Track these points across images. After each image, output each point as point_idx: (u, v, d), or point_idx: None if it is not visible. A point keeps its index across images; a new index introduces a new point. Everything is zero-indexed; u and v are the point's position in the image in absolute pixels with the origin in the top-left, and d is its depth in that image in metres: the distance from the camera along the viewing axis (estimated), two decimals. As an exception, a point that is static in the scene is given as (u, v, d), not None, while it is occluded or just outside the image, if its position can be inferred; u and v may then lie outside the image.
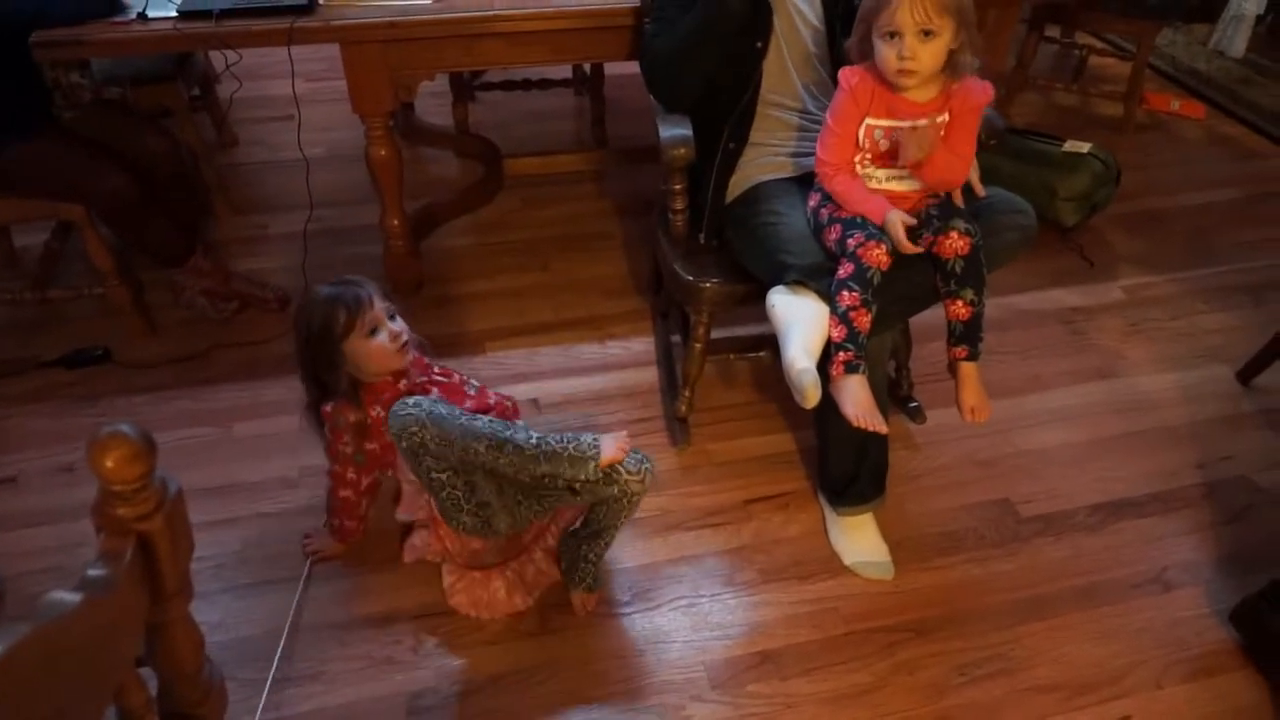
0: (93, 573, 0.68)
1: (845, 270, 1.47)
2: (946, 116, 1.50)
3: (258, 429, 2.02)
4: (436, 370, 1.64)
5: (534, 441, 1.43)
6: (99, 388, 2.12)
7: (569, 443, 1.43)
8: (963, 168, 1.54)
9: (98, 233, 2.12)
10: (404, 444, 1.44)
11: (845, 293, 1.46)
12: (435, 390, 1.58)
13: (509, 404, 1.65)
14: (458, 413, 1.44)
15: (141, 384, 2.13)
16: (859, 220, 1.52)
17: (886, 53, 1.43)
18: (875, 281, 1.46)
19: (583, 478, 1.43)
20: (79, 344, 2.20)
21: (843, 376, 1.47)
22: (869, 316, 1.46)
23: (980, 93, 1.50)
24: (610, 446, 1.44)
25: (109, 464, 0.69)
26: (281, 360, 2.19)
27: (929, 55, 1.41)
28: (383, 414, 1.50)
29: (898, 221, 1.49)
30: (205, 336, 2.26)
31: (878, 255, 1.46)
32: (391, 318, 1.53)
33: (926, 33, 1.39)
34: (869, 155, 1.54)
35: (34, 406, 2.07)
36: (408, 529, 1.70)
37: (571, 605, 1.66)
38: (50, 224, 2.38)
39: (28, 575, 1.69)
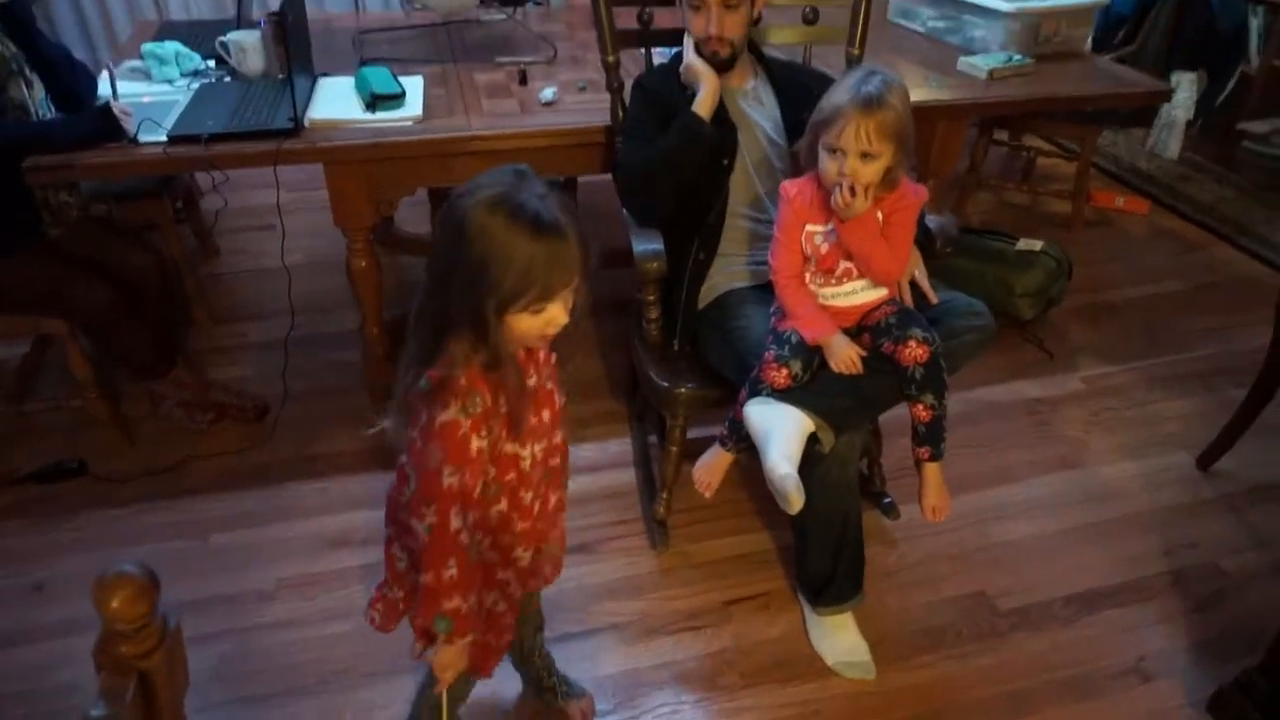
0: (95, 714, 0.68)
1: (754, 374, 1.61)
2: (880, 215, 1.58)
3: (234, 540, 2.01)
4: (549, 384, 1.31)
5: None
6: (75, 502, 2.10)
7: None
8: (901, 262, 1.62)
9: (80, 345, 2.13)
10: None
11: (744, 393, 1.63)
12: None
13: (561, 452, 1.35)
14: None
15: (118, 497, 2.11)
16: (786, 335, 1.61)
17: (829, 165, 1.53)
18: (765, 393, 1.59)
19: None
20: (54, 457, 2.19)
21: (715, 447, 1.75)
22: None
23: (913, 194, 1.59)
24: None
25: (115, 604, 0.70)
26: (258, 470, 2.19)
27: (868, 174, 1.50)
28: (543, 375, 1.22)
29: (840, 348, 1.58)
30: (182, 447, 2.26)
31: (774, 376, 1.59)
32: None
33: (866, 155, 1.49)
34: (814, 267, 1.62)
35: (4, 524, 2.04)
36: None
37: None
38: (29, 338, 2.39)
39: (-5, 701, 1.65)
